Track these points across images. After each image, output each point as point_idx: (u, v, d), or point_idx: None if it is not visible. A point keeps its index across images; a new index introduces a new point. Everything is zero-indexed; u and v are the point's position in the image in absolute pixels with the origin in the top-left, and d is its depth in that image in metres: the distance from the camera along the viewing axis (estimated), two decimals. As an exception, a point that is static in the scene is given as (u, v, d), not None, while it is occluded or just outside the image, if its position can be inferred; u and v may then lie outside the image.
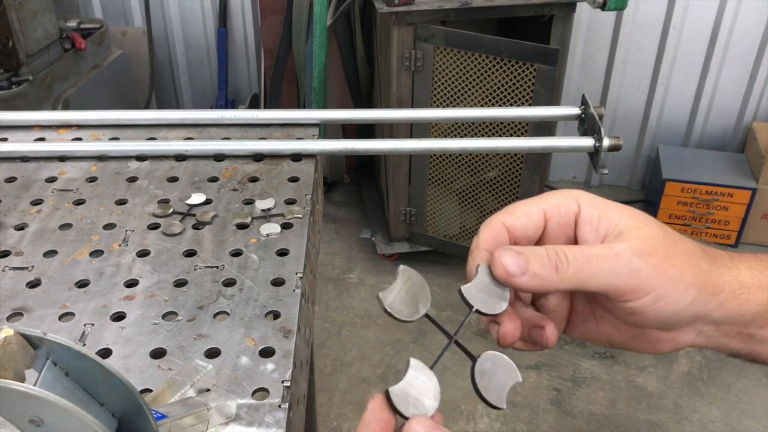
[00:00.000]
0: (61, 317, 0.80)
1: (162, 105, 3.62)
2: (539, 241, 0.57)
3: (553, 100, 2.36)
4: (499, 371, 0.50)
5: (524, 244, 0.56)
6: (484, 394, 0.49)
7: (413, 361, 0.48)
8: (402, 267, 0.50)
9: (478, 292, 0.52)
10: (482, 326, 2.29)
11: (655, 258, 0.52)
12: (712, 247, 0.57)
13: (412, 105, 2.51)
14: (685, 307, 0.53)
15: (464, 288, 0.52)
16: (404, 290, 0.50)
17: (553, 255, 0.52)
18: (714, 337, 0.58)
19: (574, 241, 0.56)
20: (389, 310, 0.48)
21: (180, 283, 0.85)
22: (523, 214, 0.56)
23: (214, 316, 0.80)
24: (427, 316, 0.50)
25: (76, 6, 3.14)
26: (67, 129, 1.17)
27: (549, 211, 0.56)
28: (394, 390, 0.46)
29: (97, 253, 0.90)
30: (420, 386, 0.47)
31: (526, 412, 2.35)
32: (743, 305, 0.55)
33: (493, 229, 0.56)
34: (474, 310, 0.52)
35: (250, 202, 1.00)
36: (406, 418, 0.45)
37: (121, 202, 1.00)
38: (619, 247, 0.52)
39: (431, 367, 0.48)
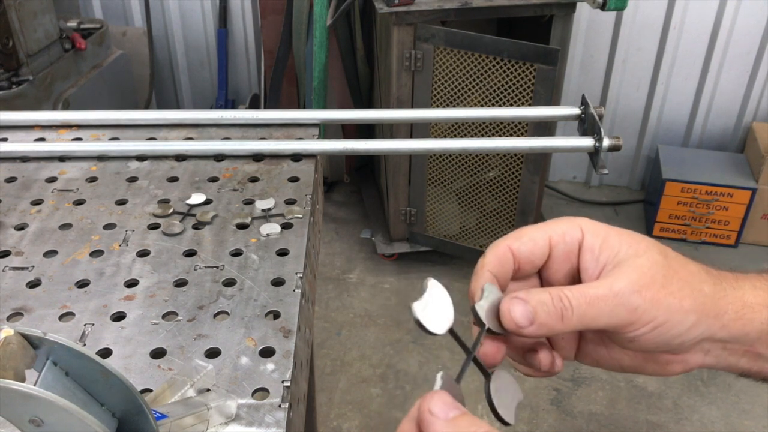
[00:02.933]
0: (61, 317, 0.80)
1: (162, 105, 3.62)
2: (544, 267, 0.58)
3: (553, 100, 2.36)
4: (509, 389, 0.53)
5: (528, 269, 0.58)
6: (498, 410, 0.51)
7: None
8: (431, 281, 0.52)
9: (487, 311, 0.54)
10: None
11: (652, 290, 0.53)
12: (716, 269, 0.58)
13: (412, 105, 2.51)
14: (685, 332, 0.54)
15: (477, 306, 0.53)
16: (432, 303, 0.51)
17: (558, 303, 0.52)
18: (722, 357, 0.58)
19: (577, 268, 0.57)
20: (422, 321, 0.50)
21: (180, 283, 0.85)
22: (530, 239, 0.57)
23: (214, 316, 0.80)
24: (451, 331, 0.52)
25: (77, 6, 3.14)
26: (67, 129, 1.17)
27: (554, 239, 0.57)
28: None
29: (97, 253, 0.90)
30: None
31: (526, 412, 2.35)
32: (747, 325, 0.56)
33: (498, 252, 0.57)
34: (486, 328, 0.54)
35: (250, 202, 1.00)
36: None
37: (121, 202, 1.00)
38: (618, 285, 0.53)
39: (457, 381, 0.50)
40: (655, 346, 0.55)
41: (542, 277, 0.60)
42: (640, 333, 0.53)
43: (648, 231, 3.20)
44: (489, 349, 0.54)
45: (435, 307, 0.51)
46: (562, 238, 0.57)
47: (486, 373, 0.53)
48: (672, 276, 0.54)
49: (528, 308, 0.52)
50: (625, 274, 0.53)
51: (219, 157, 1.10)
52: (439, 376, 0.48)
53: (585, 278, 0.57)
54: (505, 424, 0.51)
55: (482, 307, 0.53)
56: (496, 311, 0.54)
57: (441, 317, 0.51)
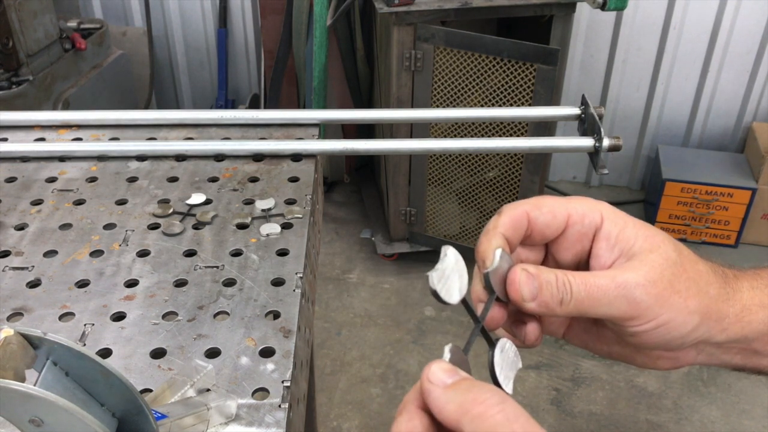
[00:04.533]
0: (61, 317, 0.80)
1: (162, 105, 3.62)
2: (553, 241, 0.58)
3: (553, 100, 2.36)
4: (511, 358, 0.52)
5: (537, 239, 0.57)
6: (499, 379, 0.50)
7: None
8: (450, 249, 0.51)
9: (497, 279, 0.53)
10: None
11: (659, 287, 0.52)
12: (723, 267, 0.57)
13: (412, 105, 2.51)
14: (687, 333, 0.54)
15: (489, 272, 0.53)
16: (448, 272, 0.50)
17: (561, 287, 0.52)
18: (716, 355, 0.58)
19: (588, 252, 0.57)
20: (438, 292, 0.49)
21: (180, 283, 0.85)
22: (549, 211, 0.56)
23: (214, 316, 0.80)
24: (464, 301, 0.51)
25: (76, 6, 3.14)
26: (67, 129, 1.17)
27: (574, 217, 0.56)
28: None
29: (97, 253, 0.90)
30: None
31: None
32: (746, 327, 0.56)
33: (515, 215, 0.56)
34: (494, 296, 0.53)
35: (250, 202, 1.00)
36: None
37: (121, 202, 1.00)
38: (623, 277, 0.52)
39: (464, 351, 0.49)
40: (655, 345, 0.55)
41: (549, 249, 0.59)
42: (642, 329, 0.53)
43: (648, 231, 3.19)
44: (494, 314, 0.54)
45: (451, 276, 0.50)
46: (581, 218, 0.56)
47: (491, 341, 0.52)
48: (681, 274, 0.53)
49: (535, 284, 0.52)
50: (634, 267, 0.53)
51: (219, 157, 1.10)
52: (447, 348, 0.47)
53: (594, 264, 0.56)
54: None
55: (492, 275, 0.53)
56: (503, 278, 0.53)
57: (456, 287, 0.50)
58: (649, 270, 0.52)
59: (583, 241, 0.57)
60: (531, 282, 0.52)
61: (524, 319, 0.57)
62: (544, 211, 0.56)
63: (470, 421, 0.41)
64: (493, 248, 0.54)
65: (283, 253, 0.90)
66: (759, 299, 0.56)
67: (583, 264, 0.58)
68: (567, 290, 0.52)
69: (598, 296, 0.52)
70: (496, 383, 0.50)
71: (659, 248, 0.54)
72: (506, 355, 0.52)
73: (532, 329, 0.56)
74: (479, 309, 0.55)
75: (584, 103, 1.14)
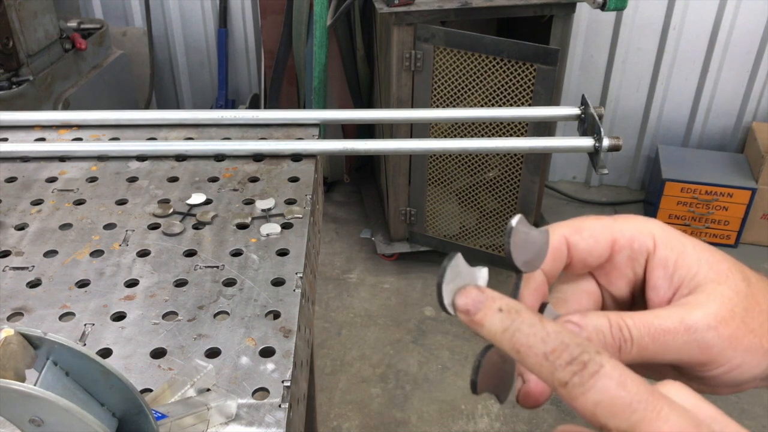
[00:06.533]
0: (61, 317, 0.80)
1: (162, 105, 3.62)
2: (600, 271, 0.51)
3: (553, 100, 2.36)
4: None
5: (579, 268, 0.50)
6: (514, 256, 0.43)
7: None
8: (456, 255, 0.43)
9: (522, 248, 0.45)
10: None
11: (731, 326, 0.45)
12: None
13: (412, 105, 2.51)
14: (761, 373, 0.47)
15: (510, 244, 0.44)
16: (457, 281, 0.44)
17: (617, 332, 0.44)
18: None
19: (642, 279, 0.50)
20: (447, 306, 0.43)
21: (180, 283, 0.85)
22: (591, 236, 0.49)
23: (215, 316, 0.80)
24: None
25: (77, 6, 3.14)
26: (67, 129, 1.17)
27: (620, 242, 0.49)
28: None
29: (97, 253, 0.90)
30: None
31: (526, 411, 2.35)
32: None
33: (554, 243, 0.49)
34: (521, 275, 0.45)
35: (250, 202, 1.00)
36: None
37: (122, 202, 1.00)
38: (692, 317, 0.45)
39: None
40: (725, 389, 0.48)
41: (598, 281, 0.52)
42: (713, 374, 0.46)
43: (648, 231, 3.20)
44: (537, 387, 0.46)
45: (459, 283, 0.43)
46: (629, 243, 0.49)
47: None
48: (753, 308, 0.46)
49: (582, 336, 0.44)
50: (701, 303, 0.46)
51: (219, 157, 1.10)
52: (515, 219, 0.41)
53: (653, 297, 0.49)
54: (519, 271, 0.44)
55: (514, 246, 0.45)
56: (530, 246, 0.46)
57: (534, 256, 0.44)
58: (720, 307, 0.45)
59: (635, 268, 0.50)
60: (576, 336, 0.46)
61: None
62: (585, 235, 0.49)
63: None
64: (531, 290, 0.48)
65: (283, 253, 0.90)
66: None
67: (639, 295, 0.51)
68: (626, 336, 0.44)
69: (664, 341, 0.45)
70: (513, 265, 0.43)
71: (727, 278, 0.47)
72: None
73: None
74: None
75: (584, 103, 1.14)
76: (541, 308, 0.48)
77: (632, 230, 0.49)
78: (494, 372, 0.44)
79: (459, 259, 0.43)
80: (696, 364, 0.46)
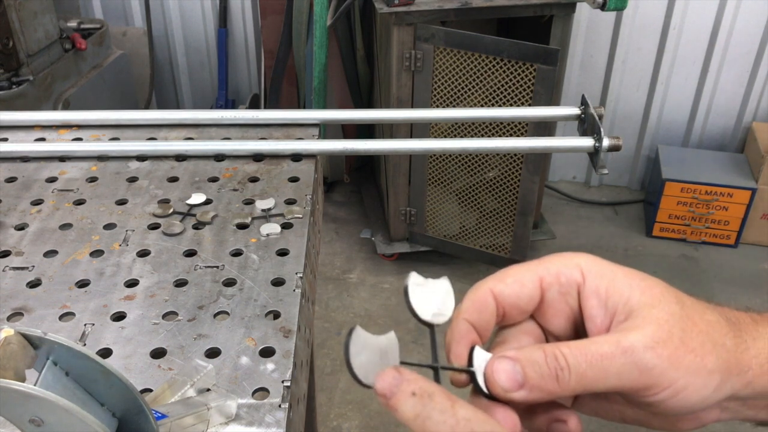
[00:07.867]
0: (61, 317, 0.80)
1: (162, 105, 3.62)
2: (538, 313, 0.52)
3: (553, 100, 2.36)
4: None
5: (515, 315, 0.51)
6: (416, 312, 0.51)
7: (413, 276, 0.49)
8: (354, 328, 0.45)
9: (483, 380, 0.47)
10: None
11: (670, 347, 0.45)
12: (734, 311, 0.51)
13: (412, 105, 2.51)
14: (709, 395, 0.47)
15: (475, 376, 0.47)
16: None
17: (552, 362, 0.45)
18: (741, 411, 0.52)
19: (579, 312, 0.50)
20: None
21: (180, 283, 0.85)
22: (515, 281, 0.50)
23: (215, 316, 0.80)
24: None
25: (77, 6, 3.14)
26: (67, 129, 1.17)
27: (547, 279, 0.50)
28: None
29: (97, 253, 0.90)
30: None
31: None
32: None
33: (478, 297, 0.50)
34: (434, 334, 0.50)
35: (250, 202, 1.00)
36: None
37: (122, 202, 1.00)
38: (628, 340, 0.45)
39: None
40: (675, 412, 0.48)
41: (539, 323, 0.53)
42: (658, 399, 0.46)
43: (648, 231, 3.20)
44: (506, 422, 0.46)
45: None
46: (556, 278, 0.50)
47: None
48: (691, 329, 0.47)
49: (516, 369, 0.45)
50: (638, 327, 0.46)
51: (219, 157, 1.10)
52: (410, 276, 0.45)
53: (591, 327, 0.49)
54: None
55: (479, 371, 0.47)
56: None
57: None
58: (657, 329, 0.46)
59: (569, 302, 0.50)
60: (510, 368, 0.45)
61: (563, 417, 0.49)
62: (509, 282, 0.50)
63: None
64: (456, 340, 0.49)
65: (283, 253, 0.90)
66: None
67: (581, 330, 0.51)
68: (562, 364, 0.45)
69: (602, 366, 0.45)
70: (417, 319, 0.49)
71: (661, 302, 0.47)
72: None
73: (574, 425, 0.49)
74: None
75: (584, 103, 1.14)
76: (470, 352, 0.49)
77: (557, 266, 0.50)
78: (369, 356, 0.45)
79: (359, 331, 0.44)
80: (640, 388, 0.45)
